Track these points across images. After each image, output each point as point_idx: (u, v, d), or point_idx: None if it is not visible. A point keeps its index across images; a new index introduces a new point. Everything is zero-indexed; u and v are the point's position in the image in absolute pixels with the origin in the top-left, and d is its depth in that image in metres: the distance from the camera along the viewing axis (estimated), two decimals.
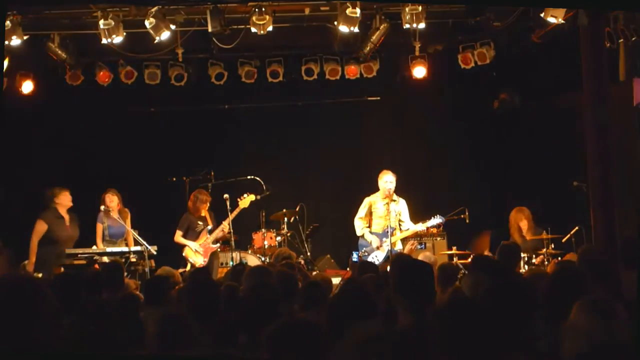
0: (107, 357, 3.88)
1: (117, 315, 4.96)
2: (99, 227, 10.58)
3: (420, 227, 10.80)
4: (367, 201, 10.98)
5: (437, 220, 10.75)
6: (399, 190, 11.00)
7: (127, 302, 5.52)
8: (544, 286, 3.90)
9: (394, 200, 10.76)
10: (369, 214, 10.94)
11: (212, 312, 4.62)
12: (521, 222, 11.07)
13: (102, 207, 10.48)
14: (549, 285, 3.86)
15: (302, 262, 10.69)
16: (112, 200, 10.49)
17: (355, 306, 3.74)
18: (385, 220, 10.71)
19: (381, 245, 10.71)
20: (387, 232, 10.55)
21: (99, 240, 10.57)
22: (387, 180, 10.81)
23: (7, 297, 2.66)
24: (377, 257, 10.61)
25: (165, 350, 3.77)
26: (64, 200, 10.40)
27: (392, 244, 10.54)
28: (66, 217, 10.41)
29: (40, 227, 10.22)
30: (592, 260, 5.47)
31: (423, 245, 11.05)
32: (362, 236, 10.93)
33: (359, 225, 10.96)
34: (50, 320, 2.71)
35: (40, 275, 9.47)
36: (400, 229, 10.83)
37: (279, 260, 8.99)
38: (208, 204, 11.09)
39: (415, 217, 11.03)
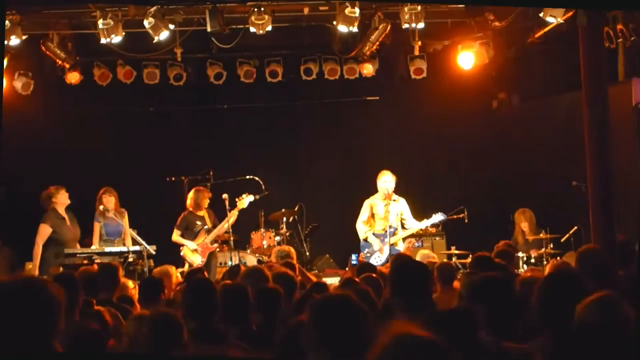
0: (107, 357, 3.88)
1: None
2: (96, 226, 10.57)
3: (424, 224, 10.84)
4: (367, 204, 11.00)
5: (439, 217, 10.79)
6: (399, 191, 11.01)
7: (122, 303, 5.51)
8: (539, 286, 3.90)
9: (394, 200, 10.79)
10: (371, 216, 10.97)
11: (209, 311, 4.63)
12: (522, 224, 11.11)
13: (101, 207, 10.45)
14: (544, 286, 3.85)
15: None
16: (110, 201, 10.47)
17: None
18: (385, 221, 10.74)
19: (383, 248, 10.75)
20: (387, 232, 10.59)
21: (95, 239, 10.54)
22: (385, 180, 10.83)
23: (17, 300, 2.67)
24: (379, 259, 10.64)
25: (156, 349, 3.77)
26: (62, 199, 10.35)
27: (394, 244, 10.60)
28: (66, 217, 10.38)
29: (45, 231, 10.17)
30: (592, 260, 5.47)
31: (420, 243, 11.07)
32: (365, 239, 10.97)
33: (362, 229, 10.99)
34: (58, 321, 2.71)
35: (45, 277, 9.46)
36: (404, 228, 10.88)
37: (278, 258, 8.98)
38: (208, 200, 11.08)
39: (415, 217, 11.03)
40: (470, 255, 9.88)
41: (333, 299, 3.25)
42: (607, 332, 3.26)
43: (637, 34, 10.34)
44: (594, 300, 3.49)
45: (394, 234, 10.67)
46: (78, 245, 10.44)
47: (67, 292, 5.16)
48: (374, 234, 10.93)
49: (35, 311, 2.65)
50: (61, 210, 10.36)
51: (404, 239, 10.89)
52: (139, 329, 4.25)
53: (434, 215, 10.83)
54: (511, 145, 12.99)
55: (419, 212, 11.17)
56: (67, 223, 10.35)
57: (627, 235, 7.41)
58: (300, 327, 3.27)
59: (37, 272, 9.91)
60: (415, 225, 10.85)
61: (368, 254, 10.81)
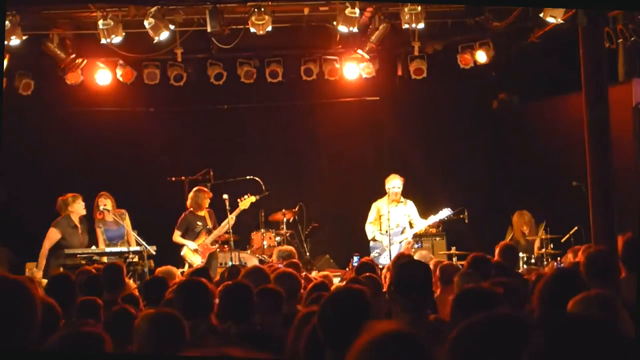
0: (107, 357, 3.87)
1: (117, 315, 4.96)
2: (99, 232, 10.53)
3: (431, 220, 11.00)
4: (374, 206, 11.29)
5: (446, 212, 11.00)
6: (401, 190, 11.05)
7: (127, 303, 5.51)
8: (541, 285, 3.90)
9: (402, 202, 10.96)
10: (378, 217, 11.13)
11: (205, 310, 4.64)
12: (524, 227, 11.12)
13: (102, 207, 10.44)
14: (545, 285, 3.85)
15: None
16: (105, 204, 10.43)
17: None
18: (390, 222, 10.88)
19: (391, 244, 10.89)
20: (392, 232, 10.76)
21: (101, 245, 10.50)
22: (394, 185, 11.06)
23: None
24: (388, 258, 10.71)
25: (158, 349, 3.77)
26: (78, 209, 10.33)
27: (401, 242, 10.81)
28: (79, 225, 10.34)
29: (54, 236, 10.14)
30: (597, 262, 5.45)
31: (420, 244, 11.10)
32: (373, 239, 11.11)
33: (370, 229, 11.25)
34: (37, 322, 2.70)
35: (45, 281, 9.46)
36: (412, 228, 11.08)
37: (279, 258, 8.98)
38: (209, 200, 11.07)
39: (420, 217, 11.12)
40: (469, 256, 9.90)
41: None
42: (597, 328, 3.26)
43: (637, 34, 10.34)
44: (585, 297, 3.50)
45: (402, 232, 10.90)
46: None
47: (64, 293, 5.19)
48: (380, 233, 11.08)
49: (10, 311, 2.64)
50: (75, 218, 10.33)
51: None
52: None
53: (440, 211, 10.96)
54: (511, 145, 12.99)
55: (419, 212, 11.21)
56: (79, 232, 10.31)
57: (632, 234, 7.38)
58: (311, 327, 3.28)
59: (41, 275, 9.91)
60: (423, 224, 10.98)
61: (377, 254, 11.01)
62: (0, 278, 2.74)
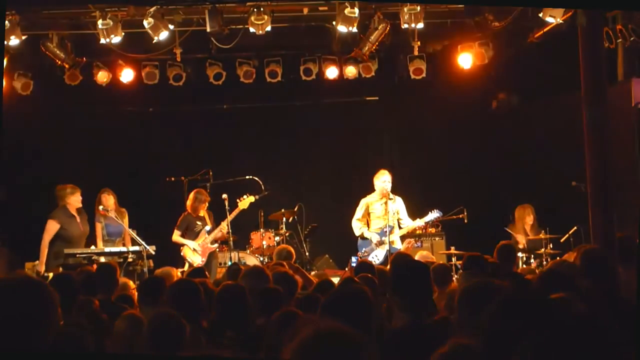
0: (107, 357, 3.88)
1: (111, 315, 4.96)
2: (98, 227, 10.62)
3: (419, 222, 10.86)
4: (363, 202, 11.01)
5: (434, 214, 10.82)
6: (398, 190, 11.03)
7: (122, 303, 5.51)
8: (535, 283, 3.89)
9: (391, 199, 10.81)
10: (367, 214, 10.98)
11: (198, 311, 4.63)
12: (527, 218, 11.10)
13: (101, 207, 10.49)
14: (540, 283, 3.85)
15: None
16: (109, 200, 10.53)
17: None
18: (384, 220, 10.74)
19: (382, 243, 10.72)
20: (386, 231, 10.59)
21: (99, 240, 10.59)
22: (385, 180, 10.85)
23: (13, 298, 2.68)
24: (377, 257, 10.63)
25: (157, 349, 3.76)
26: (75, 202, 10.43)
27: (391, 242, 10.58)
28: (77, 215, 10.42)
29: (52, 227, 10.22)
30: (593, 260, 5.45)
31: (420, 244, 11.07)
32: (361, 236, 10.94)
33: (357, 226, 10.99)
34: (54, 320, 2.73)
35: (51, 274, 9.49)
36: (400, 226, 10.88)
37: (277, 258, 8.99)
38: (207, 204, 11.09)
39: (414, 216, 11.05)
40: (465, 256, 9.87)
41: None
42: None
43: (636, 34, 10.34)
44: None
45: (390, 232, 10.67)
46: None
47: (65, 293, 5.18)
48: (369, 231, 10.95)
49: (29, 310, 2.66)
50: (72, 210, 10.40)
51: (401, 238, 10.90)
52: (129, 328, 4.26)
53: (429, 213, 10.85)
54: (511, 145, 12.99)
55: (419, 212, 11.18)
56: (77, 220, 10.41)
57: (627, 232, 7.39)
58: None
59: (43, 269, 9.94)
60: (411, 224, 10.86)
61: (365, 253, 10.81)
62: (23, 280, 2.76)
